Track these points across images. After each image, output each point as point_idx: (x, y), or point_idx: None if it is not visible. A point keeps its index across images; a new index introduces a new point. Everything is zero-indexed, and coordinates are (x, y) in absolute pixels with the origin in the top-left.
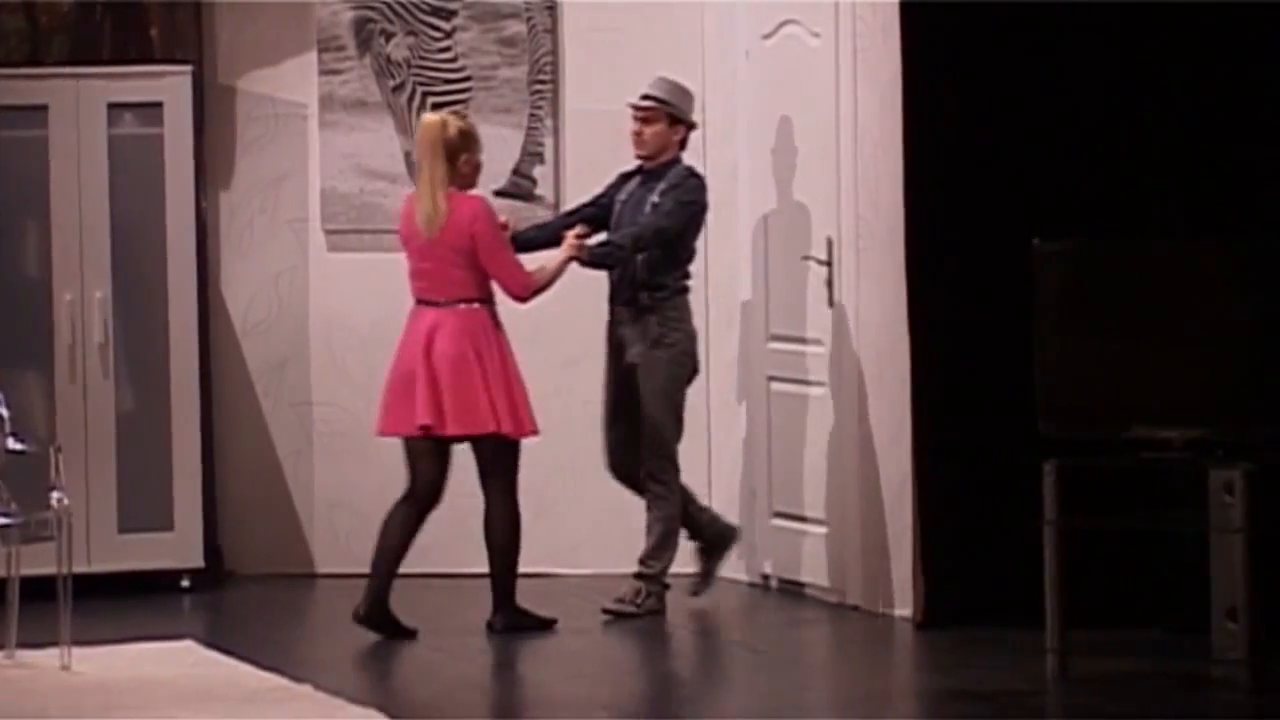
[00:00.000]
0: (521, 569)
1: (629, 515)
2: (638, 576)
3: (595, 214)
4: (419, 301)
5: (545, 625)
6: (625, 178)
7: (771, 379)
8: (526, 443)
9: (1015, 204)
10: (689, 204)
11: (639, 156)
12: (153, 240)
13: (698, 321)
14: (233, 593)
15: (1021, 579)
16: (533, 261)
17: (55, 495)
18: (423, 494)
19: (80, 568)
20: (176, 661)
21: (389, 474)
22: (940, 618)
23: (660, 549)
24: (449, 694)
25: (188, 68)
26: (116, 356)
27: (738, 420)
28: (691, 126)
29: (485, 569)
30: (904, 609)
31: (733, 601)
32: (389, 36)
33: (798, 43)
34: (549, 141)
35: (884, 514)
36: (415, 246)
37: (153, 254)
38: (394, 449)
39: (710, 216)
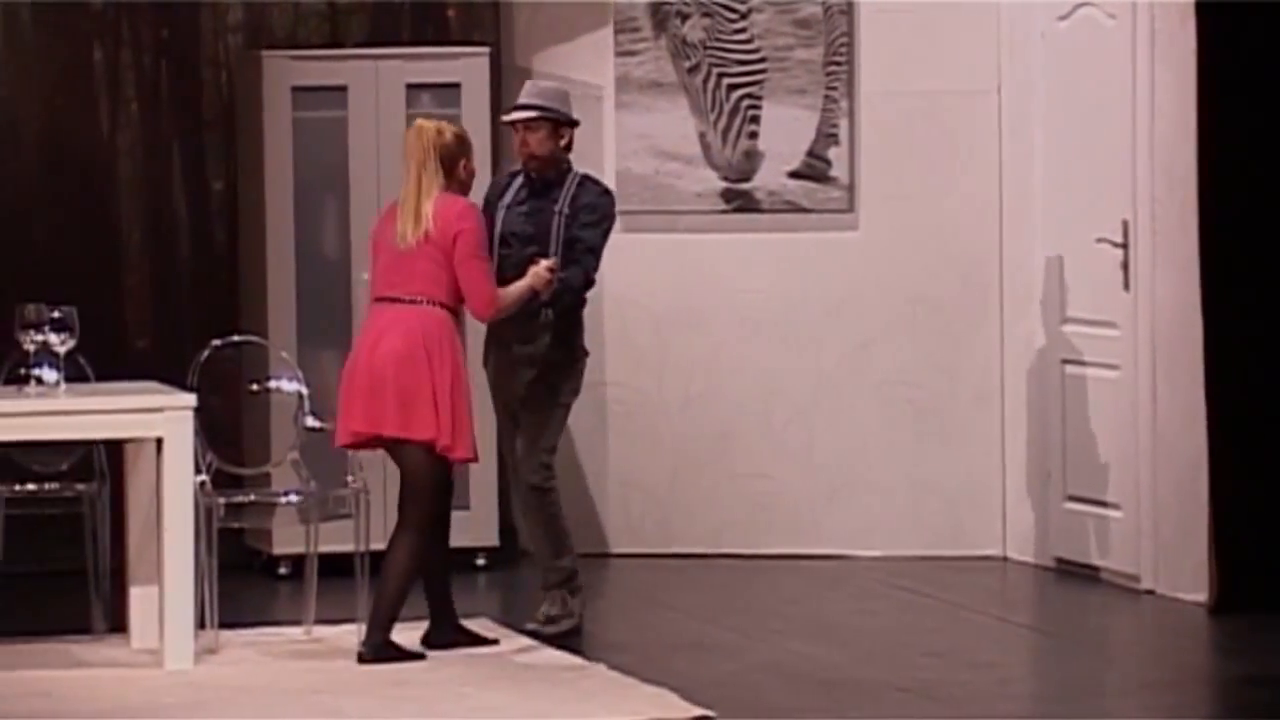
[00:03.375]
0: (814, 550)
1: (921, 497)
2: (555, 585)
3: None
4: (377, 300)
5: (415, 658)
6: (503, 184)
7: (1065, 361)
8: (816, 421)
9: None
10: (609, 229)
11: (529, 168)
12: None
13: (991, 301)
14: (527, 571)
15: None
16: None
17: (353, 473)
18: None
19: (377, 545)
20: None
21: (682, 455)
22: (1234, 602)
23: (562, 548)
24: (740, 674)
25: (485, 49)
26: None
27: (1031, 403)
28: (574, 125)
29: (778, 550)
30: (1198, 593)
31: (1023, 585)
32: (685, 18)
33: (1094, 24)
34: (844, 123)
35: (1178, 498)
36: (387, 247)
37: None
38: (687, 431)
39: (1005, 198)
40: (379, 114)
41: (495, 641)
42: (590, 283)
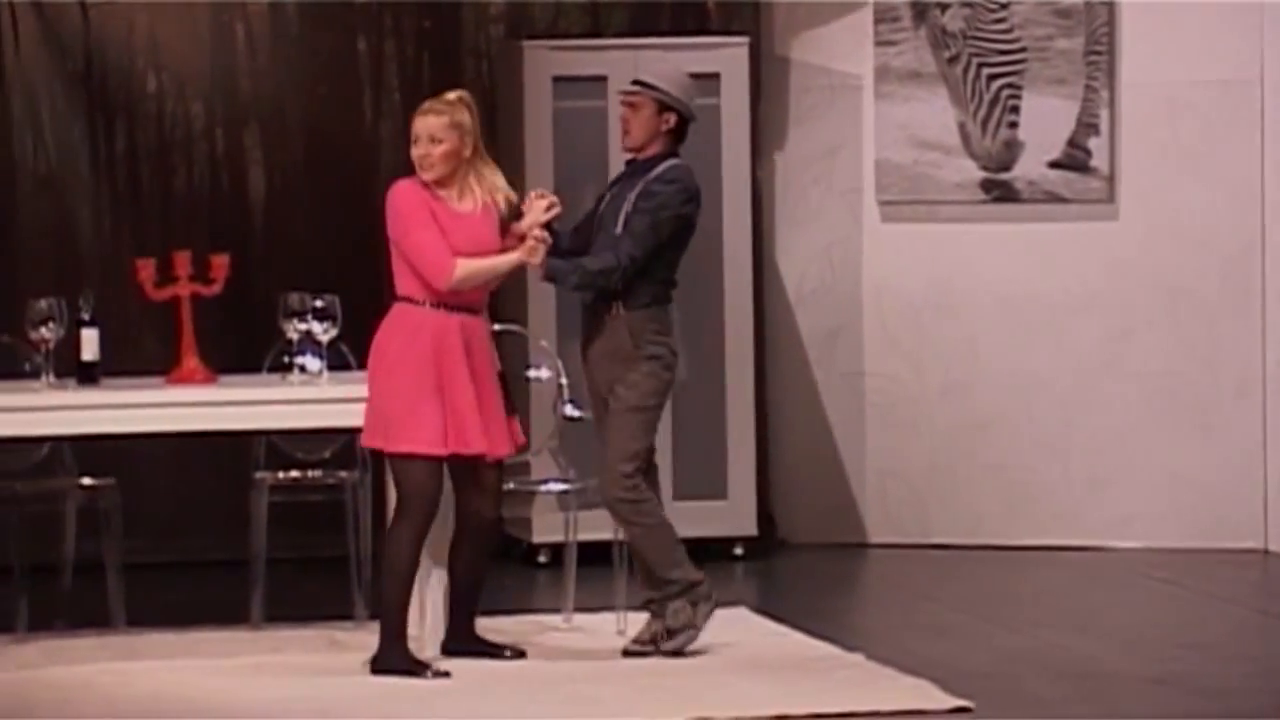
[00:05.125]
0: (1073, 541)
1: (1181, 488)
2: (674, 598)
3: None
4: None
5: (416, 672)
6: (623, 172)
7: None
8: (1075, 411)
9: None
10: (667, 220)
11: (626, 148)
12: (708, 209)
13: (1253, 292)
14: (785, 561)
15: None
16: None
17: None
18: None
19: None
20: (729, 628)
21: (940, 445)
22: None
23: (668, 559)
24: (999, 665)
25: (745, 39)
26: None
27: None
28: (686, 117)
29: (1036, 540)
30: None
31: (1253, 574)
32: (944, 7)
33: None
34: (1104, 113)
35: None
36: None
37: (708, 222)
38: (945, 420)
39: (1266, 188)
40: None
41: (518, 654)
42: (609, 278)
